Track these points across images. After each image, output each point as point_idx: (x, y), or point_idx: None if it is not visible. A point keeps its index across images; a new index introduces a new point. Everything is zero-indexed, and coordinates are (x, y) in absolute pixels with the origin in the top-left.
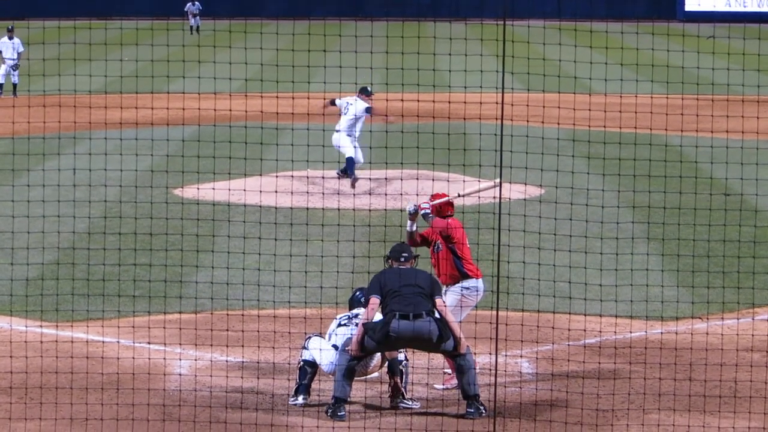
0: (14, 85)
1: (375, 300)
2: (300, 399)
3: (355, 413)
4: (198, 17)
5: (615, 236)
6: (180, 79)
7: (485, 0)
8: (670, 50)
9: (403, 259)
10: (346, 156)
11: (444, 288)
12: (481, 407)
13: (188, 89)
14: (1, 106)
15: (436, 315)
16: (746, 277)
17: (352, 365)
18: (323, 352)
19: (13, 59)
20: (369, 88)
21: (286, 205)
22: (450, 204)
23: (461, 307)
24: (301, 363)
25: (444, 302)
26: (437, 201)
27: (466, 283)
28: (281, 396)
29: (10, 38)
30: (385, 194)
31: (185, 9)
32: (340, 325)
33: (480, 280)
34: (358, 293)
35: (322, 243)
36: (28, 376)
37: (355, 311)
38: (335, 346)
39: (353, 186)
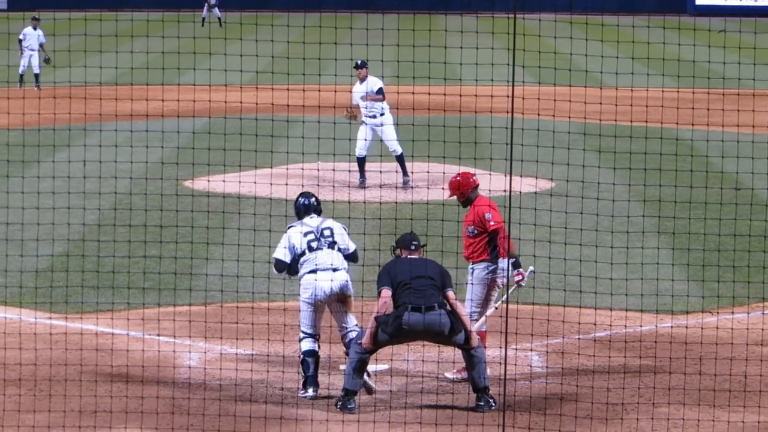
0: (36, 76)
1: (387, 292)
2: (310, 392)
3: (365, 405)
4: (216, 8)
5: (625, 230)
6: (191, 71)
7: None
8: (681, 44)
9: (413, 248)
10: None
11: (471, 266)
12: (491, 400)
13: (199, 81)
14: (12, 98)
15: (448, 308)
16: (756, 272)
17: (364, 358)
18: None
19: (35, 50)
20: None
21: None
22: (461, 184)
23: (489, 290)
24: (301, 356)
25: (454, 294)
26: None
27: (496, 264)
28: (291, 389)
29: (35, 28)
30: (396, 187)
31: None
32: (312, 249)
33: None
34: (300, 200)
35: None
36: (37, 368)
37: (301, 221)
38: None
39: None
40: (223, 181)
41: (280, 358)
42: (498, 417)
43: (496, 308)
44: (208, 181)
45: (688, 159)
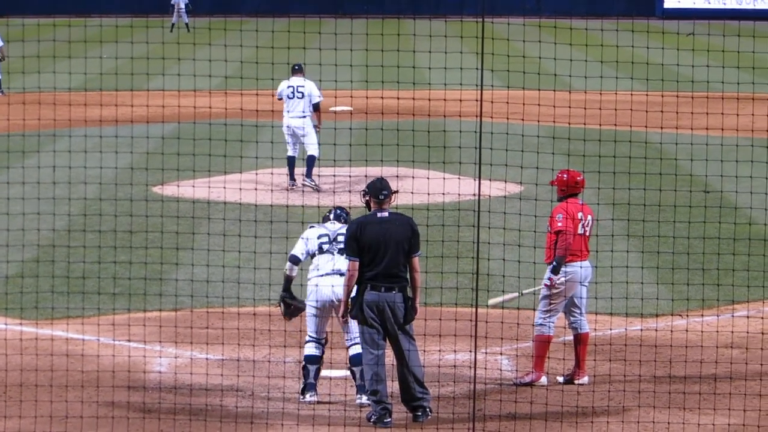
0: None
1: (355, 264)
2: (308, 397)
3: (334, 410)
4: (185, 14)
5: (595, 233)
6: (160, 77)
7: None
8: (650, 47)
9: (382, 197)
10: (312, 153)
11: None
12: (428, 409)
13: (168, 87)
14: None
15: (408, 292)
16: (725, 274)
17: (377, 369)
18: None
19: None
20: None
21: (266, 203)
22: (559, 180)
23: (552, 296)
24: (303, 362)
25: (418, 260)
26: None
27: (552, 268)
28: (260, 394)
29: None
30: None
31: (172, 2)
32: (322, 251)
33: (571, 264)
34: (336, 211)
35: None
36: (7, 374)
37: (331, 231)
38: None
39: (292, 188)
40: (193, 186)
41: (250, 363)
42: (468, 421)
43: (522, 294)
44: (178, 186)
45: (657, 162)
